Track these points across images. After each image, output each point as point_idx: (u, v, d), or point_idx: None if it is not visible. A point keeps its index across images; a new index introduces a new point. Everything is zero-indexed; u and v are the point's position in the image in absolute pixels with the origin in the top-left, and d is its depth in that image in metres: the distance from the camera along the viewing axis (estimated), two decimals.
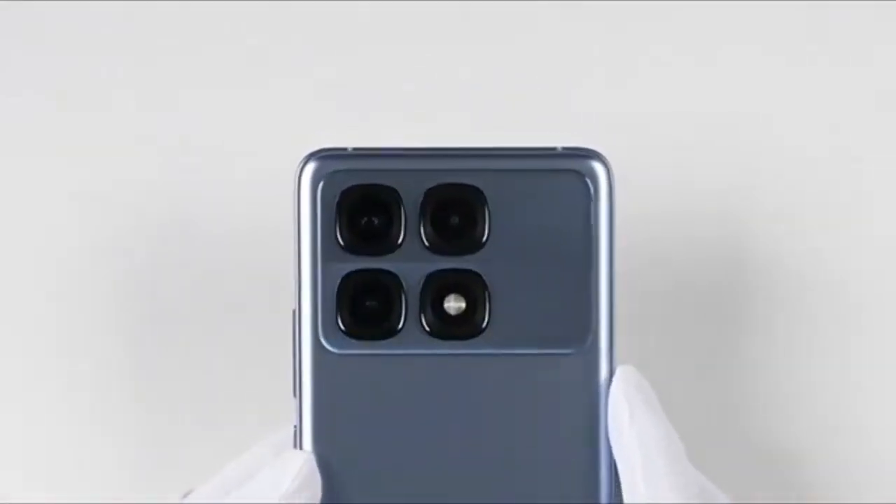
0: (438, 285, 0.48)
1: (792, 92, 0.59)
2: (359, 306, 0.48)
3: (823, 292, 0.58)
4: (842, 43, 0.58)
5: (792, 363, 0.58)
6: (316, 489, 0.49)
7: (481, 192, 0.48)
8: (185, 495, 0.51)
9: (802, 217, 0.58)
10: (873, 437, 0.60)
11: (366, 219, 0.48)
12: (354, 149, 0.48)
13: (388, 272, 0.48)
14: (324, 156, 0.48)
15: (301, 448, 0.48)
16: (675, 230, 0.58)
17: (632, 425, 0.49)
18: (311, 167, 0.48)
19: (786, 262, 0.58)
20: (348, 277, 0.48)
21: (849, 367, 0.58)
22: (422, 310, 0.48)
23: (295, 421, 0.48)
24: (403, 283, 0.48)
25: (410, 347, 0.48)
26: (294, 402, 0.49)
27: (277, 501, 0.48)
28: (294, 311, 0.48)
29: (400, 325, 0.48)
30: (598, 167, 0.48)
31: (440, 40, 0.58)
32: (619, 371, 0.49)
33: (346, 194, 0.48)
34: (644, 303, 0.58)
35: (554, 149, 0.48)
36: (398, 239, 0.48)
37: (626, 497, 0.49)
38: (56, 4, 0.60)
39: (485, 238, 0.48)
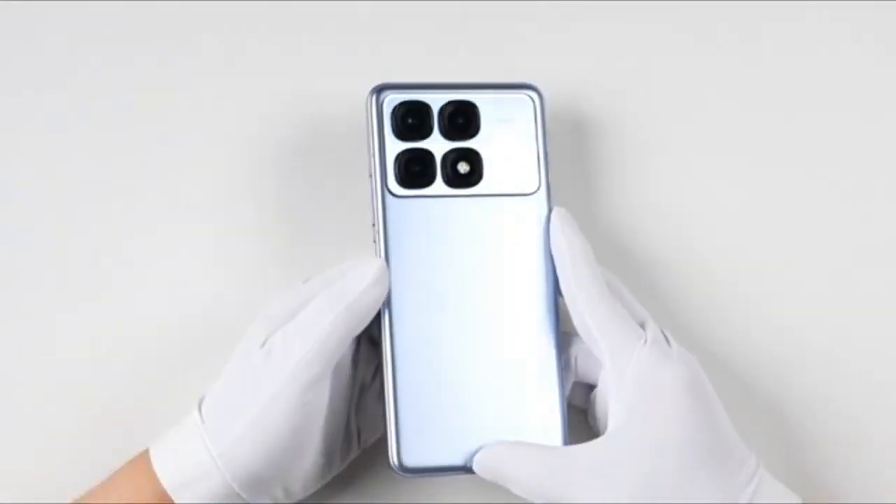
0: (454, 157, 0.64)
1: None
2: (409, 169, 0.63)
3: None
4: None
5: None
6: (386, 284, 0.62)
7: (475, 105, 0.64)
8: (305, 281, 0.64)
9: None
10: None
11: (410, 120, 0.64)
12: (403, 83, 0.64)
13: (425, 149, 0.64)
14: (383, 86, 0.64)
15: (379, 255, 0.62)
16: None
17: (563, 234, 0.63)
18: (377, 92, 0.64)
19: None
20: (402, 153, 0.63)
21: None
22: (444, 171, 0.64)
23: (373, 238, 0.63)
24: (434, 156, 0.64)
25: (438, 192, 0.64)
26: (371, 229, 0.63)
27: (360, 290, 0.61)
28: (370, 175, 0.63)
29: (432, 180, 0.64)
30: (537, 91, 0.65)
31: None
32: (555, 207, 0.64)
33: (399, 106, 0.63)
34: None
35: (511, 82, 0.65)
36: (430, 131, 0.64)
37: (561, 281, 0.63)
38: (59, 4, 0.70)
39: (478, 130, 0.64)
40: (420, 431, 0.62)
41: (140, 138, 0.71)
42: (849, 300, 0.70)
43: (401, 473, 0.62)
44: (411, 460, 0.62)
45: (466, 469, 0.62)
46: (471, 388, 0.62)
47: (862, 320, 0.69)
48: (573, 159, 0.69)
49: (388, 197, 0.63)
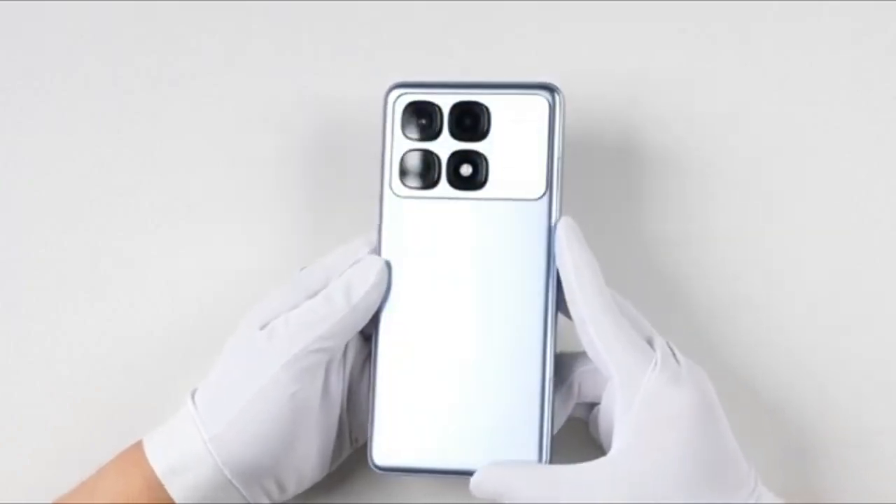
0: (458, 159, 0.63)
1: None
2: (413, 169, 0.62)
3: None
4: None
5: None
6: (385, 282, 0.62)
7: (484, 106, 0.62)
8: (302, 269, 0.63)
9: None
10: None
11: (418, 120, 0.63)
12: (415, 81, 0.63)
13: (430, 151, 0.63)
14: (398, 84, 0.63)
15: (379, 253, 0.62)
16: None
17: (569, 250, 0.61)
18: (391, 90, 0.63)
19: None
20: (408, 152, 0.63)
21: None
22: (448, 172, 0.62)
23: (375, 235, 0.62)
24: (439, 157, 0.63)
25: (441, 194, 0.63)
26: (376, 224, 0.62)
27: (365, 291, 0.61)
28: (380, 174, 0.63)
29: (435, 181, 0.63)
30: (555, 92, 0.62)
31: None
32: (562, 218, 0.62)
33: (409, 105, 0.63)
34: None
35: (529, 81, 0.63)
36: (436, 132, 0.63)
37: (568, 299, 0.61)
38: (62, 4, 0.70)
39: (486, 132, 0.62)
40: (397, 431, 0.62)
41: (140, 138, 0.71)
42: (852, 303, 0.69)
43: (374, 470, 0.62)
44: (382, 459, 0.62)
45: (439, 472, 0.62)
46: (453, 394, 0.62)
47: (864, 322, 0.69)
48: (570, 162, 0.68)
49: (390, 196, 0.63)
